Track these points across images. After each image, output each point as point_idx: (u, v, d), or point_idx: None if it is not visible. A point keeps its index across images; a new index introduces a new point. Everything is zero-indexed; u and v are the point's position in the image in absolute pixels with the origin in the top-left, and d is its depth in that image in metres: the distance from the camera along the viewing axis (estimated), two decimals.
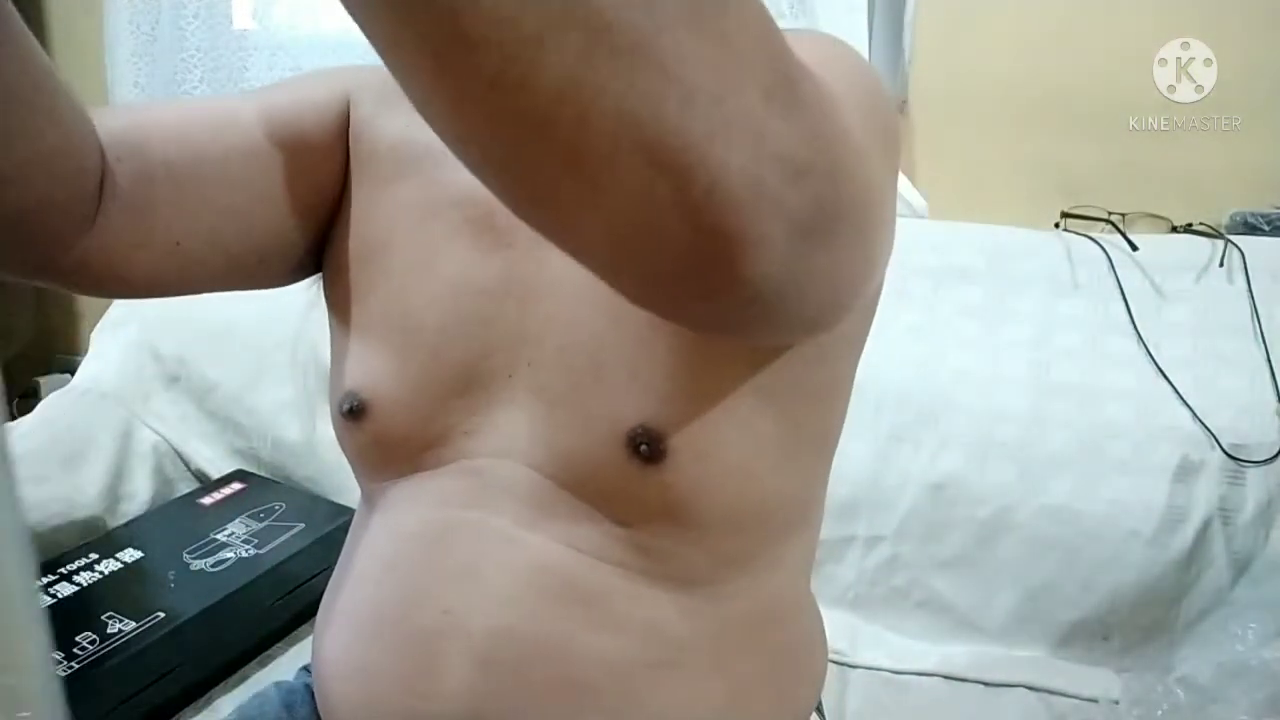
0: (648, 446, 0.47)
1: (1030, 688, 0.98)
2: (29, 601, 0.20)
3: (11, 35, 0.40)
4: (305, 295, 1.40)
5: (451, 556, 0.51)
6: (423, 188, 0.53)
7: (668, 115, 0.25)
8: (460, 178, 0.52)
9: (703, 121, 0.26)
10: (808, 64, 0.38)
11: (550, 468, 0.50)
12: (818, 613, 0.64)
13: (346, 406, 0.54)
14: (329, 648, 0.56)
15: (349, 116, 0.56)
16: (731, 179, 0.27)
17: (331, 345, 0.59)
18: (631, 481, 0.48)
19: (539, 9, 0.22)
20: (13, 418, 1.17)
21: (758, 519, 0.53)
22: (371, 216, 0.55)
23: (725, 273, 0.29)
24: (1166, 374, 1.04)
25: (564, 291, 0.50)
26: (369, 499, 0.58)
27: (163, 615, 0.88)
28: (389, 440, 0.53)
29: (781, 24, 0.53)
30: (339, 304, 0.57)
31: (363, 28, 0.24)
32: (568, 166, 0.26)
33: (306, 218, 0.56)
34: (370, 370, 0.53)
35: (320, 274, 0.60)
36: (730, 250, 0.29)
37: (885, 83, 0.47)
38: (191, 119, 0.52)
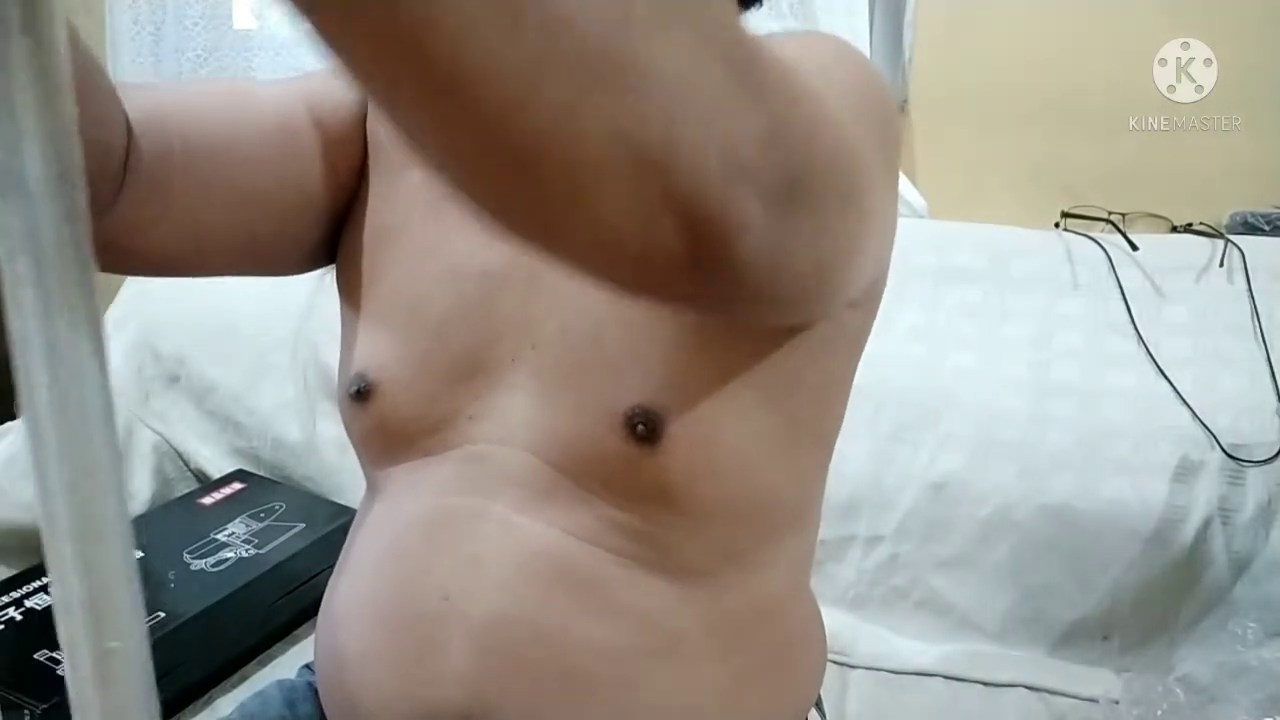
0: (645, 427, 0.48)
1: (1030, 688, 0.98)
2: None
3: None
4: (305, 295, 1.40)
5: (451, 543, 0.51)
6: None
7: (652, 124, 0.26)
8: None
9: (684, 125, 0.27)
10: (809, 63, 0.38)
11: (550, 453, 0.51)
12: (817, 610, 0.64)
13: (354, 389, 0.54)
14: (331, 635, 0.56)
15: (368, 105, 0.57)
16: (708, 167, 0.28)
17: (342, 332, 0.59)
18: (629, 464, 0.49)
19: (528, 47, 0.23)
20: (13, 417, 1.17)
21: (754, 511, 0.53)
22: (386, 203, 0.56)
23: (712, 257, 0.30)
24: (1166, 374, 1.04)
25: (567, 282, 0.50)
26: (373, 486, 0.58)
27: (163, 615, 0.88)
28: (394, 423, 0.54)
29: (781, 24, 0.53)
30: (351, 290, 0.58)
31: (347, 64, 0.24)
32: (557, 186, 0.26)
33: (323, 202, 0.56)
34: (378, 353, 0.54)
35: (332, 265, 0.60)
36: (714, 234, 0.30)
37: (887, 83, 0.48)
38: (211, 99, 0.52)
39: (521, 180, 0.26)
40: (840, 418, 0.58)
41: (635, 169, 0.26)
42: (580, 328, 0.50)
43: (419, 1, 0.21)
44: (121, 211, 0.48)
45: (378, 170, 0.57)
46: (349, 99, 0.56)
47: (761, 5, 0.57)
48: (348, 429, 0.58)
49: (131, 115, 0.47)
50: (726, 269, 0.31)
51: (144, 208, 0.49)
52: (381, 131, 0.56)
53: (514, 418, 0.51)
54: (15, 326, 0.21)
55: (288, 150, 0.53)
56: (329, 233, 0.58)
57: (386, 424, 0.54)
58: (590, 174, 0.26)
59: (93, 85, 0.43)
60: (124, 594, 0.22)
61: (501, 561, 0.50)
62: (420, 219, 0.54)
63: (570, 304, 0.51)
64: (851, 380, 0.58)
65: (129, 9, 1.57)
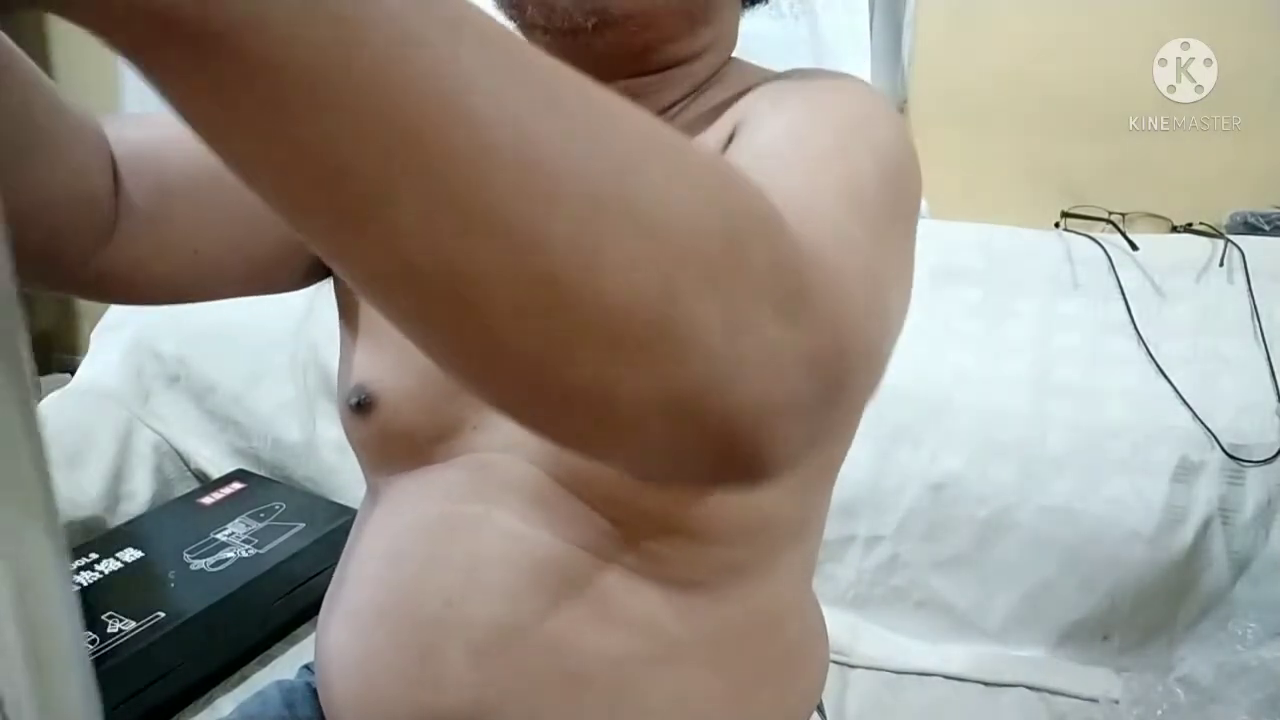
0: None
1: (1030, 688, 0.98)
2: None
3: (11, 66, 0.40)
4: (305, 296, 1.39)
5: (453, 549, 0.51)
6: None
7: (693, 380, 0.25)
8: None
9: (729, 382, 0.26)
10: (831, 116, 0.40)
11: (553, 465, 0.51)
12: (820, 617, 0.64)
13: (354, 400, 0.54)
14: (332, 638, 0.56)
15: None
16: (749, 408, 0.27)
17: (340, 342, 0.59)
18: (633, 490, 0.49)
19: (566, 320, 0.23)
20: None
21: (756, 529, 0.53)
22: None
23: (748, 473, 0.29)
24: (1166, 374, 1.04)
25: None
26: (375, 491, 0.58)
27: (163, 615, 0.88)
28: (397, 433, 0.54)
29: (781, 24, 0.53)
30: (348, 301, 0.57)
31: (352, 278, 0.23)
32: (590, 424, 0.26)
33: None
34: (379, 365, 0.54)
35: (332, 277, 0.60)
36: (751, 458, 0.28)
37: (906, 134, 0.47)
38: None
39: (556, 415, 0.26)
40: (848, 446, 0.58)
41: (671, 419, 0.26)
42: None
43: (470, 288, 0.22)
44: (120, 250, 0.48)
45: None
46: None
47: (766, 2, 0.57)
48: (348, 436, 0.58)
49: (128, 152, 0.48)
50: (760, 476, 0.30)
51: (143, 245, 0.49)
52: None
53: (519, 429, 0.51)
54: None
55: None
56: None
57: (389, 434, 0.54)
58: (624, 422, 0.25)
59: (69, 138, 0.44)
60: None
61: (503, 568, 0.50)
62: None
63: None
64: (861, 414, 0.57)
65: None
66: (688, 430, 0.26)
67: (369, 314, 0.55)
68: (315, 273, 0.59)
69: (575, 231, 0.22)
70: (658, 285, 0.23)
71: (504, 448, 0.52)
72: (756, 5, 0.56)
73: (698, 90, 0.53)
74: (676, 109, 0.52)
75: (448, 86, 0.20)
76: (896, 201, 0.42)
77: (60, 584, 0.21)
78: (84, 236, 0.46)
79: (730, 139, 0.46)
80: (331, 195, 0.20)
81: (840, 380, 0.30)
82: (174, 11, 0.18)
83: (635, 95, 0.51)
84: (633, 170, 0.23)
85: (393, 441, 0.54)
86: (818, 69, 0.51)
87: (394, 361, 0.53)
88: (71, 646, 0.21)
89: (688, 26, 0.50)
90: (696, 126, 0.50)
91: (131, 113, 0.52)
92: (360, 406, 0.54)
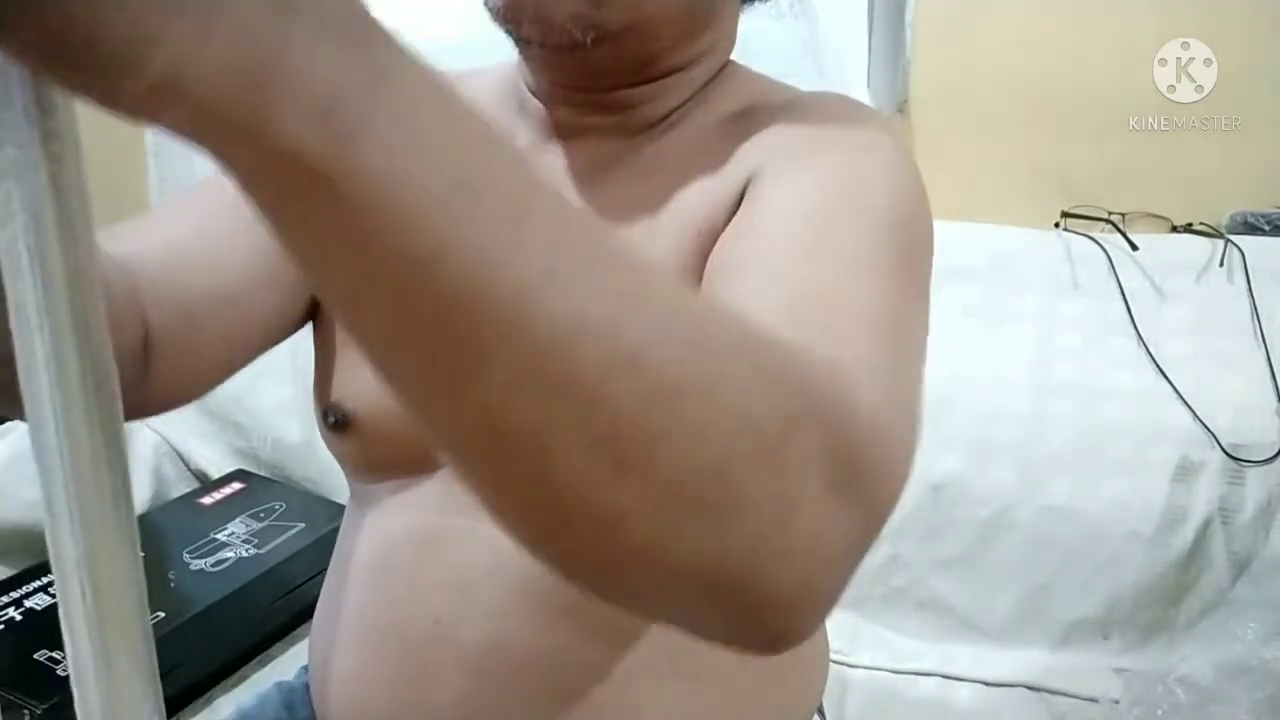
0: None
1: (1030, 687, 0.98)
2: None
3: None
4: None
5: (440, 564, 0.50)
6: None
7: (741, 547, 0.26)
8: None
9: (771, 544, 0.26)
10: (852, 197, 0.40)
11: None
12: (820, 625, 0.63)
13: (331, 420, 0.53)
14: (323, 652, 0.55)
15: None
16: (789, 586, 0.27)
17: (316, 355, 0.57)
18: None
19: (632, 486, 0.24)
20: (13, 417, 1.17)
21: None
22: None
23: (767, 643, 0.30)
24: (1166, 374, 1.04)
25: None
26: (360, 497, 0.58)
27: (163, 615, 0.88)
28: (377, 450, 0.53)
29: (781, 24, 0.53)
30: (324, 317, 0.56)
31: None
32: (637, 590, 0.27)
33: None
34: (355, 381, 0.53)
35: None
36: (777, 636, 0.30)
37: (919, 181, 0.47)
38: (210, 237, 0.50)
39: (604, 574, 0.27)
40: None
41: (711, 590, 0.26)
42: None
43: (542, 453, 0.23)
44: (152, 386, 0.47)
45: None
46: None
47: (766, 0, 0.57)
48: (328, 447, 0.56)
49: (146, 287, 0.46)
50: (779, 648, 0.31)
51: (176, 374, 0.48)
52: None
53: None
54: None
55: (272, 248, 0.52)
56: None
57: (369, 451, 0.53)
58: (664, 586, 0.26)
59: (110, 294, 0.42)
60: (129, 596, 0.22)
61: (491, 585, 0.49)
62: None
63: None
64: None
65: None
66: (723, 601, 0.27)
67: (345, 331, 0.54)
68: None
69: (646, 409, 0.24)
70: (714, 464, 0.25)
71: None
72: (754, 5, 0.56)
73: (697, 95, 0.52)
74: (675, 115, 0.51)
75: (556, 294, 0.22)
76: (920, 275, 0.43)
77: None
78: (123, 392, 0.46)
79: (744, 186, 0.45)
80: (434, 353, 0.22)
81: (877, 534, 0.31)
82: (303, 159, 0.19)
83: (634, 103, 0.50)
84: (717, 373, 0.25)
85: (374, 457, 0.53)
86: (824, 103, 0.50)
87: (372, 381, 0.52)
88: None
89: (686, 34, 0.49)
90: (700, 141, 0.49)
91: (129, 223, 0.50)
92: (337, 425, 0.53)
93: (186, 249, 0.48)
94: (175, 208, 0.52)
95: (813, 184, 0.42)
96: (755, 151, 0.46)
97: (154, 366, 0.46)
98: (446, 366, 0.22)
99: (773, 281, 0.37)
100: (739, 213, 0.44)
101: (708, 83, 0.52)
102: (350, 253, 0.21)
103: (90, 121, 0.20)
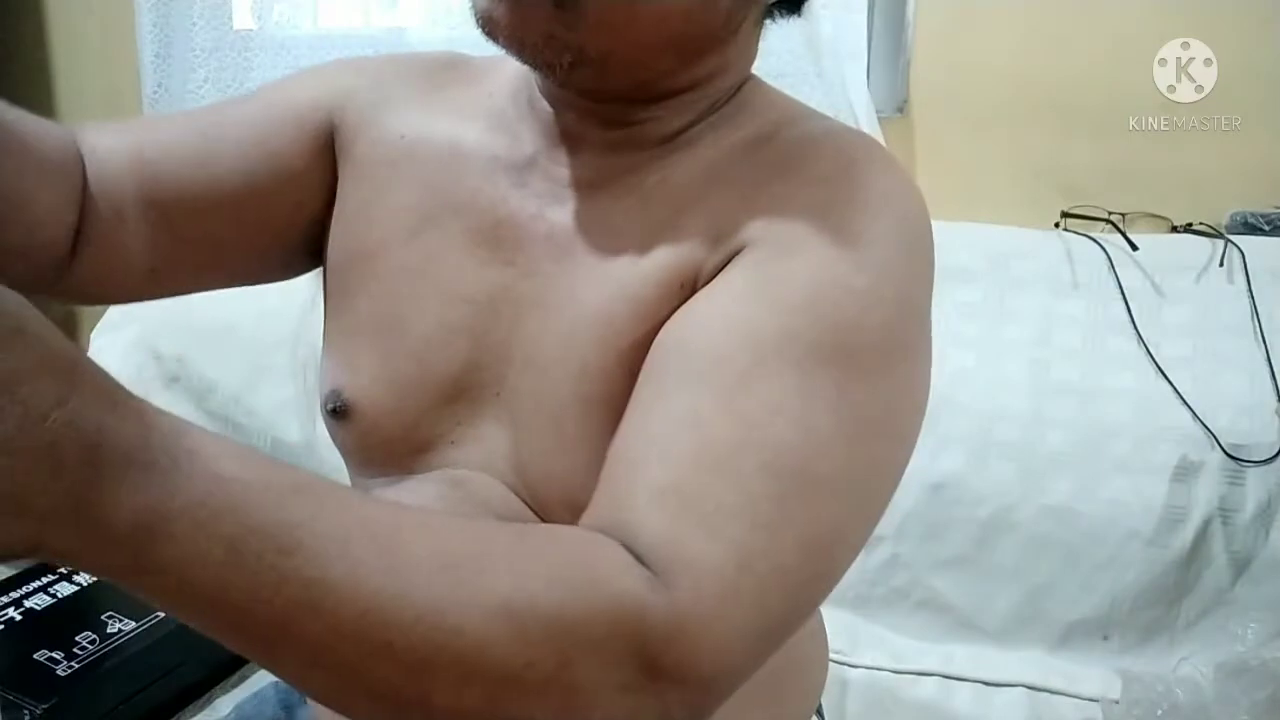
0: None
1: (1030, 687, 0.98)
2: None
3: None
4: (305, 295, 1.40)
5: None
6: (422, 193, 0.52)
7: None
8: (463, 185, 0.51)
9: None
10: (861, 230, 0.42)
11: (528, 490, 0.49)
12: (821, 626, 0.63)
13: (330, 405, 0.53)
14: None
15: (333, 122, 0.55)
16: None
17: (324, 335, 0.58)
18: None
19: None
20: None
21: None
22: (367, 219, 0.54)
23: None
24: (1166, 374, 1.04)
25: (558, 316, 0.48)
26: (359, 489, 0.58)
27: (163, 615, 0.88)
28: (372, 442, 0.53)
29: (781, 23, 0.52)
30: (331, 301, 0.57)
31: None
32: None
33: (287, 230, 0.56)
34: (355, 371, 0.53)
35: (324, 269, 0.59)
36: None
37: (926, 217, 0.47)
38: (174, 150, 0.53)
39: None
40: None
41: None
42: (566, 371, 0.48)
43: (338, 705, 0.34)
44: (81, 269, 0.51)
45: (358, 184, 0.55)
46: (311, 122, 0.55)
47: (799, 14, 0.53)
48: (329, 434, 0.57)
49: (93, 177, 0.50)
50: None
51: (101, 267, 0.52)
52: (361, 146, 0.54)
53: (494, 449, 0.50)
54: None
55: (246, 193, 0.54)
56: (304, 246, 0.57)
57: (365, 441, 0.53)
58: None
59: (32, 194, 0.46)
60: None
61: None
62: (401, 237, 0.53)
63: (557, 345, 0.48)
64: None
65: (150, 12, 1.57)
66: None
67: (348, 318, 0.54)
68: (292, 267, 0.59)
69: (408, 680, 0.31)
70: (485, 701, 0.32)
71: (479, 465, 0.50)
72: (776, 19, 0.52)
73: (709, 116, 0.50)
74: (684, 137, 0.49)
75: (312, 615, 0.30)
76: (892, 370, 0.42)
77: None
78: (42, 263, 0.49)
79: (732, 256, 0.44)
80: (238, 640, 0.31)
81: (711, 699, 0.36)
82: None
83: (638, 120, 0.49)
84: (475, 643, 0.31)
85: (370, 448, 0.53)
86: (839, 156, 0.47)
87: (370, 369, 0.52)
88: None
89: (679, 61, 0.47)
90: (707, 173, 0.48)
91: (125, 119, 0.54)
92: (336, 412, 0.53)
93: (146, 155, 0.52)
94: (205, 113, 0.57)
95: (778, 296, 0.41)
96: (754, 218, 0.44)
97: (78, 252, 0.50)
98: (258, 654, 0.31)
99: (681, 430, 0.39)
100: (708, 288, 0.43)
101: (722, 103, 0.50)
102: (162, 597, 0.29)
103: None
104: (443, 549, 0.33)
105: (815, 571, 0.39)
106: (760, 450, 0.37)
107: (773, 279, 0.42)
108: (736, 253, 0.44)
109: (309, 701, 0.57)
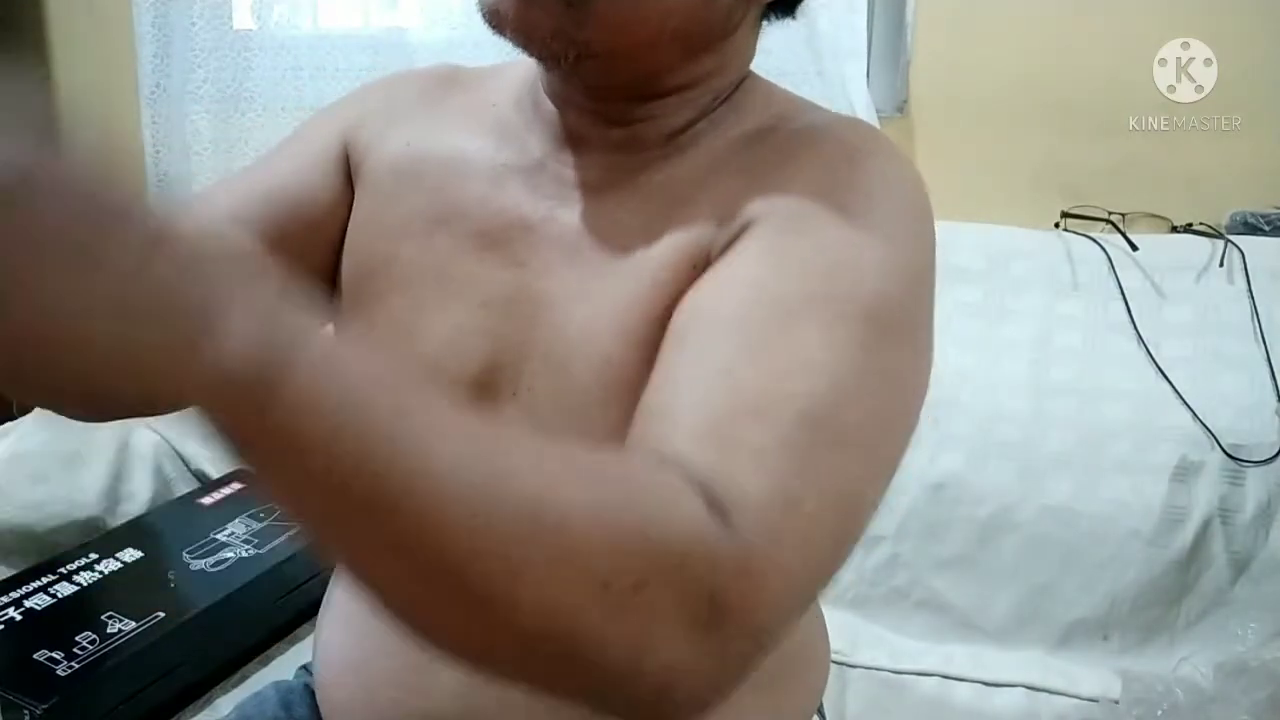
0: None
1: (1030, 687, 0.98)
2: None
3: None
4: None
5: None
6: (430, 199, 0.53)
7: (599, 679, 0.32)
8: (471, 188, 0.52)
9: (631, 679, 0.32)
10: (857, 206, 0.42)
11: None
12: (822, 625, 0.63)
13: None
14: (327, 642, 0.56)
15: (347, 149, 0.56)
16: (650, 698, 0.33)
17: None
18: None
19: None
20: (12, 417, 1.17)
21: None
22: (379, 231, 0.54)
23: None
24: (1166, 374, 1.04)
25: (574, 313, 0.49)
26: None
27: (163, 615, 0.88)
28: None
29: (781, 23, 0.52)
30: (345, 314, 0.56)
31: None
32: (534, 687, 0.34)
33: (320, 267, 0.57)
34: None
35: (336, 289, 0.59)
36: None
37: (927, 208, 0.47)
38: (240, 215, 0.53)
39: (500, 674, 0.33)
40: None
41: (585, 700, 0.33)
42: (584, 371, 0.48)
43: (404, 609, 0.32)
44: None
45: (369, 199, 0.55)
46: (328, 163, 0.56)
47: (794, 17, 0.53)
48: None
49: None
50: None
51: None
52: (370, 163, 0.55)
53: None
54: None
55: (284, 249, 0.53)
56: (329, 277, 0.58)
57: None
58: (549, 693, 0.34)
59: None
60: None
61: None
62: (412, 244, 0.53)
63: (574, 346, 0.48)
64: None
65: (149, 12, 1.57)
66: (601, 701, 0.33)
67: (369, 322, 0.54)
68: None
69: (505, 581, 0.29)
70: (564, 627, 0.30)
71: None
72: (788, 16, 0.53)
73: (710, 113, 0.50)
74: (687, 135, 0.50)
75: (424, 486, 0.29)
76: (908, 341, 0.43)
77: None
78: None
79: (740, 232, 0.44)
80: (330, 506, 0.29)
81: (757, 654, 0.35)
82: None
83: (640, 119, 0.49)
84: (561, 553, 0.30)
85: None
86: (841, 140, 0.47)
87: None
88: None
89: (683, 56, 0.48)
90: (710, 166, 0.48)
91: None
92: None
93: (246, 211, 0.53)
94: (241, 182, 0.58)
95: (795, 262, 0.42)
96: (759, 199, 0.45)
97: None
98: (343, 533, 0.30)
99: (712, 379, 0.38)
100: (721, 261, 0.44)
101: (721, 100, 0.51)
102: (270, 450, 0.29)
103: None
104: (536, 448, 0.32)
105: (845, 526, 0.38)
106: (793, 399, 0.37)
107: (789, 248, 0.43)
108: (745, 228, 0.44)
109: (320, 698, 0.57)
